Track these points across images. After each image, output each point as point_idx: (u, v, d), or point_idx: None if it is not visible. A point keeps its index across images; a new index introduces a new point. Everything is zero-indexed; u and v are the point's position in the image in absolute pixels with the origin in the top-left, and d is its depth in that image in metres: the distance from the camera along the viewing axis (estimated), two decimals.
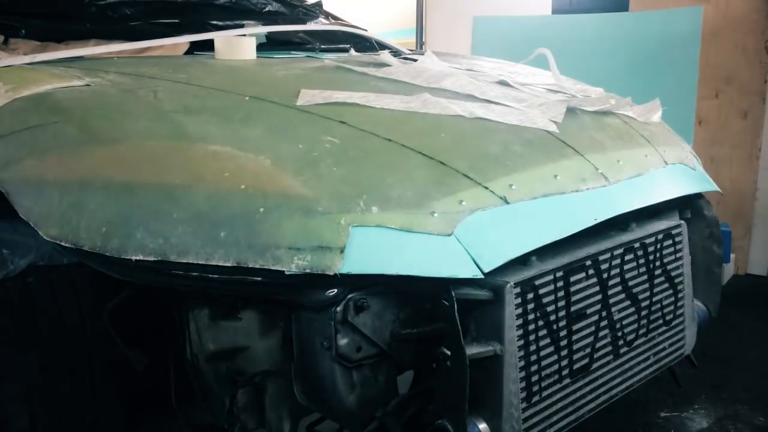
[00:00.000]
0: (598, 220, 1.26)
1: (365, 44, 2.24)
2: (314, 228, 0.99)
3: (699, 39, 3.39)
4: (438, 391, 1.09)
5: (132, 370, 1.41)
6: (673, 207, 1.60)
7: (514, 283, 1.11)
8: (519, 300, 1.12)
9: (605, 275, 1.30)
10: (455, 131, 1.32)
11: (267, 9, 2.14)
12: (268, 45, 1.97)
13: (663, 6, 3.55)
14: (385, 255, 1.00)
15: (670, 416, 1.98)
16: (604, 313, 1.30)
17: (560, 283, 1.20)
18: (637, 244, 1.38)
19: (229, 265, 0.98)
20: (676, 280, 1.49)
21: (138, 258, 1.01)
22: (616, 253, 1.33)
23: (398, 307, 1.09)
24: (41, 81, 1.32)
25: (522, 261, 1.15)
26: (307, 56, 1.95)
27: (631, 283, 1.37)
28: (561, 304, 1.21)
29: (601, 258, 1.29)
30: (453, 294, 1.03)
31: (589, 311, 1.27)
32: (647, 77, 3.49)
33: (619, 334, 1.34)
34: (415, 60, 1.83)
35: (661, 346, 1.47)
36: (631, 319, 1.38)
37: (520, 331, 1.13)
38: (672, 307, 1.49)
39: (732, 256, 3.37)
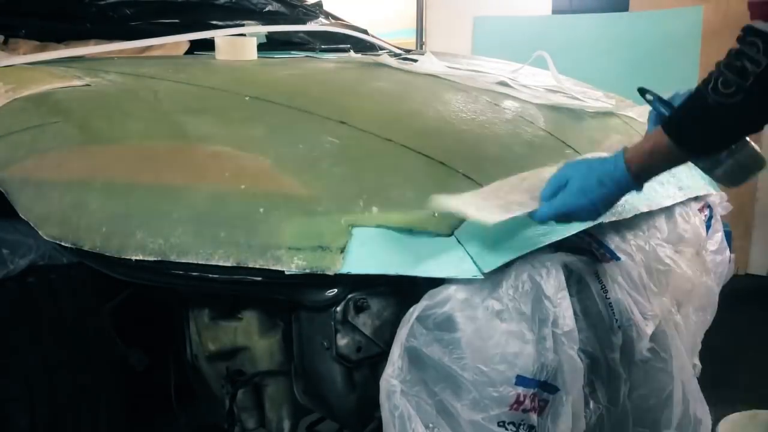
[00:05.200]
0: (598, 221, 1.26)
1: (365, 44, 2.24)
2: (314, 228, 0.99)
3: (699, 39, 3.39)
4: None
5: (132, 370, 1.42)
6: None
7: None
8: None
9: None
10: (455, 132, 1.32)
11: (267, 9, 2.14)
12: (268, 45, 1.97)
13: (663, 6, 3.55)
14: (385, 255, 1.00)
15: None
16: None
17: None
18: None
19: (229, 265, 0.98)
20: None
21: (138, 258, 1.01)
22: None
23: (398, 307, 1.09)
24: (41, 81, 1.33)
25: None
26: (307, 56, 1.95)
27: None
28: None
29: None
30: None
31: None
32: (647, 77, 3.47)
33: None
34: (415, 60, 1.83)
35: None
36: None
37: None
38: None
39: (732, 256, 3.37)
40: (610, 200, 1.01)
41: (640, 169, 0.97)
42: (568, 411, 1.08)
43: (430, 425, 1.00)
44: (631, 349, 1.23)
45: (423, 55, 1.91)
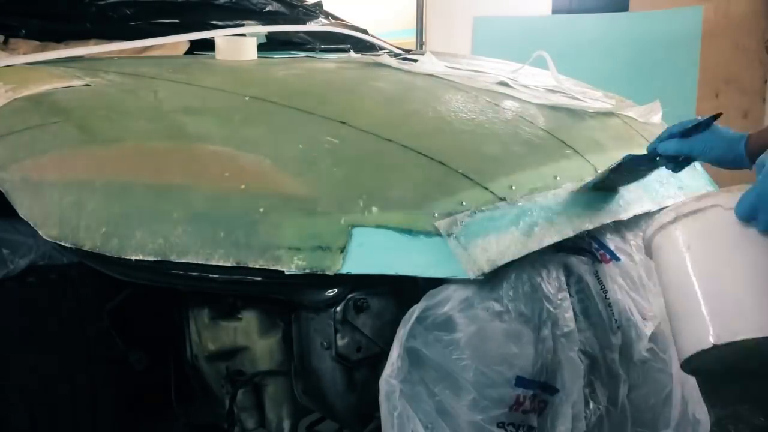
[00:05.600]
0: (599, 222, 1.25)
1: (365, 44, 2.24)
2: (314, 228, 0.99)
3: (699, 39, 3.39)
4: None
5: (132, 370, 1.41)
6: None
7: None
8: None
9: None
10: (455, 132, 1.32)
11: (267, 9, 2.14)
12: (268, 45, 1.97)
13: (663, 6, 3.56)
14: (385, 255, 1.00)
15: None
16: None
17: None
18: None
19: (229, 265, 0.98)
20: None
21: (138, 258, 1.01)
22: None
23: (398, 307, 1.09)
24: (41, 81, 1.33)
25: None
26: (307, 56, 1.95)
27: None
28: None
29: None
30: None
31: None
32: (647, 77, 3.49)
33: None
34: (415, 60, 1.83)
35: None
36: None
37: None
38: None
39: None
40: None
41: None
42: (568, 412, 1.08)
43: (429, 426, 1.00)
44: (630, 349, 1.23)
45: (423, 55, 1.91)
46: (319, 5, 2.42)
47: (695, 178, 1.59)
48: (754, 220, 0.89)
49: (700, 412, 1.31)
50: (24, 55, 1.54)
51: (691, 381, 1.32)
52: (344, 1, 3.18)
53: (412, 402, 0.99)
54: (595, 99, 1.75)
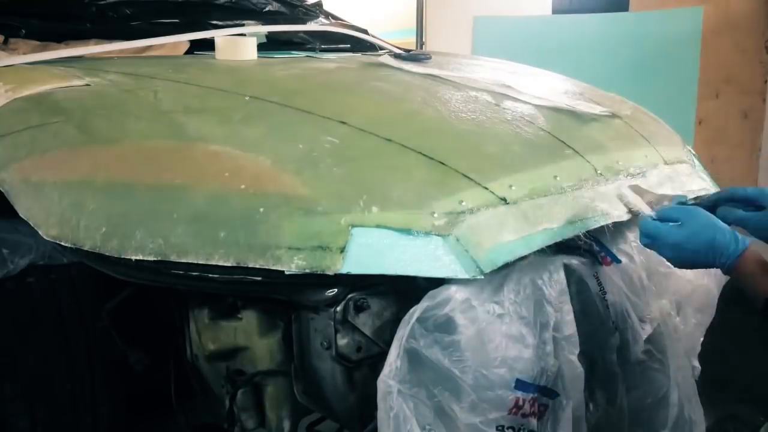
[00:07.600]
0: (599, 223, 1.25)
1: (365, 44, 2.24)
2: (314, 228, 0.99)
3: (699, 39, 3.39)
4: None
5: (132, 370, 1.42)
6: None
7: None
8: None
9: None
10: (455, 132, 1.32)
11: (267, 9, 2.15)
12: (268, 45, 1.97)
13: (663, 6, 3.55)
14: (385, 255, 1.00)
15: None
16: None
17: None
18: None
19: (229, 264, 0.98)
20: None
21: (138, 258, 1.01)
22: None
23: (398, 307, 1.09)
24: (41, 81, 1.33)
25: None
26: (307, 56, 1.95)
27: None
28: None
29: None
30: None
31: None
32: (647, 77, 3.49)
33: None
34: (417, 60, 1.82)
35: None
36: None
37: None
38: None
39: None
40: (697, 262, 1.05)
41: (742, 269, 1.02)
42: (568, 416, 1.08)
43: (427, 427, 0.99)
44: (627, 350, 1.23)
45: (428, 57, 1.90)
46: (319, 5, 2.43)
47: (696, 177, 1.59)
48: None
49: (697, 413, 1.31)
50: (24, 55, 1.54)
51: (688, 382, 1.32)
52: (344, 1, 3.18)
53: (410, 402, 0.99)
54: (595, 100, 1.75)
